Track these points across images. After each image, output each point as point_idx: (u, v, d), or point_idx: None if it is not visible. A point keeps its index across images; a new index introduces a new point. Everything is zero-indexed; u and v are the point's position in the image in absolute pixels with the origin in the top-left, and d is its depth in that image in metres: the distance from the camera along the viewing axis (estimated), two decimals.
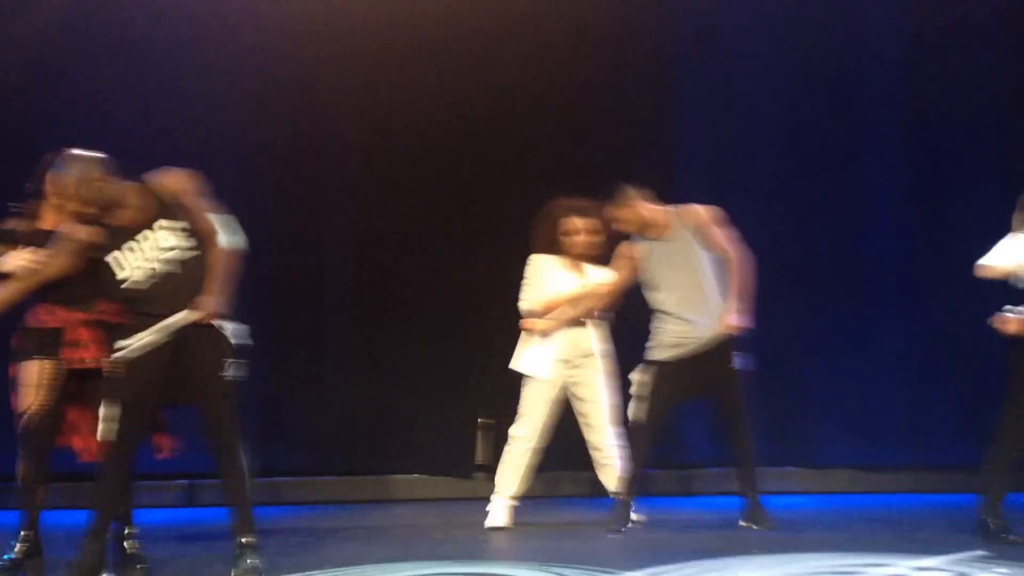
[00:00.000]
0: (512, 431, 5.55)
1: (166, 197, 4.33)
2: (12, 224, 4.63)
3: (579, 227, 5.48)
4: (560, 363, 5.48)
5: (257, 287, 6.75)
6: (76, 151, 4.27)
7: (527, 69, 6.84)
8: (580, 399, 5.53)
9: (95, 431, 4.43)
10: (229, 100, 6.83)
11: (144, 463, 4.49)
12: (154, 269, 4.26)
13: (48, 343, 4.48)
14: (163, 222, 4.28)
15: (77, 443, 4.59)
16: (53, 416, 4.48)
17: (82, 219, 4.30)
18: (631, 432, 5.36)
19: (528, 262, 5.56)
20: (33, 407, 4.48)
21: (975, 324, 5.13)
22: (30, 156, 4.61)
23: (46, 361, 4.48)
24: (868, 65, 7.04)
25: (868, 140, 7.05)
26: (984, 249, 5.10)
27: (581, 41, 6.89)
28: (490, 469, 6.60)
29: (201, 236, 4.32)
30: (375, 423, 6.82)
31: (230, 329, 4.36)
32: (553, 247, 5.53)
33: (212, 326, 4.30)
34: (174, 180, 4.36)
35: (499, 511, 5.50)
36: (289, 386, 6.77)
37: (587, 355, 5.52)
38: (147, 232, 4.28)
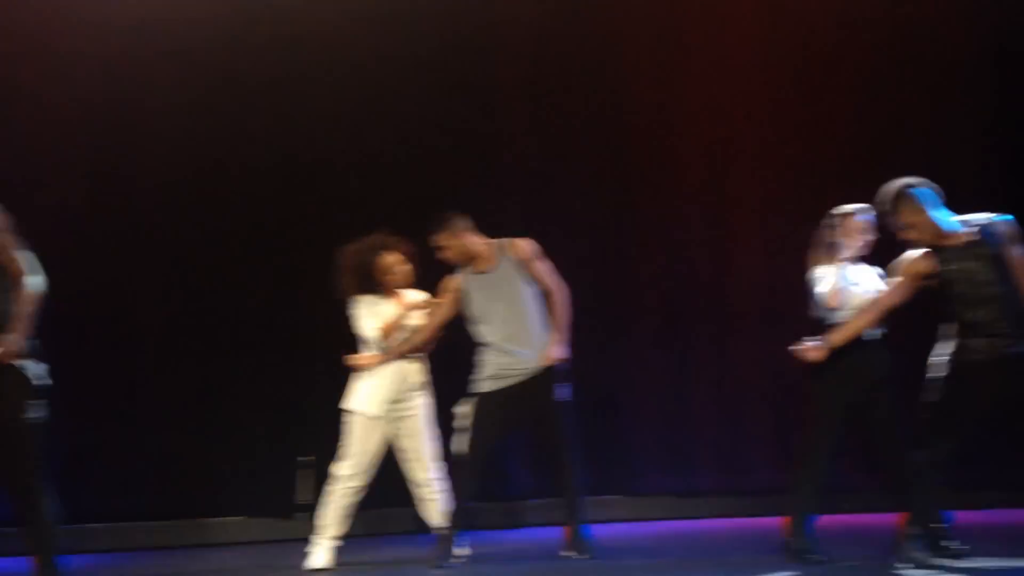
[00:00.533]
0: (336, 470, 5.47)
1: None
2: None
3: (394, 263, 5.48)
4: (387, 398, 5.45)
5: (62, 326, 6.50)
6: None
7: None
8: (404, 435, 5.50)
9: None
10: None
11: None
12: None
13: None
14: None
15: None
16: None
17: None
18: (454, 465, 5.36)
19: (350, 304, 5.51)
20: None
21: (781, 353, 5.38)
22: None
23: None
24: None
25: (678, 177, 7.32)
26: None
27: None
28: (310, 509, 6.48)
29: (9, 276, 4.12)
30: (190, 464, 6.57)
31: (31, 369, 4.18)
32: (369, 286, 5.50)
33: (12, 366, 4.12)
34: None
35: (321, 552, 5.40)
36: (97, 427, 6.47)
37: (413, 389, 5.51)
38: None
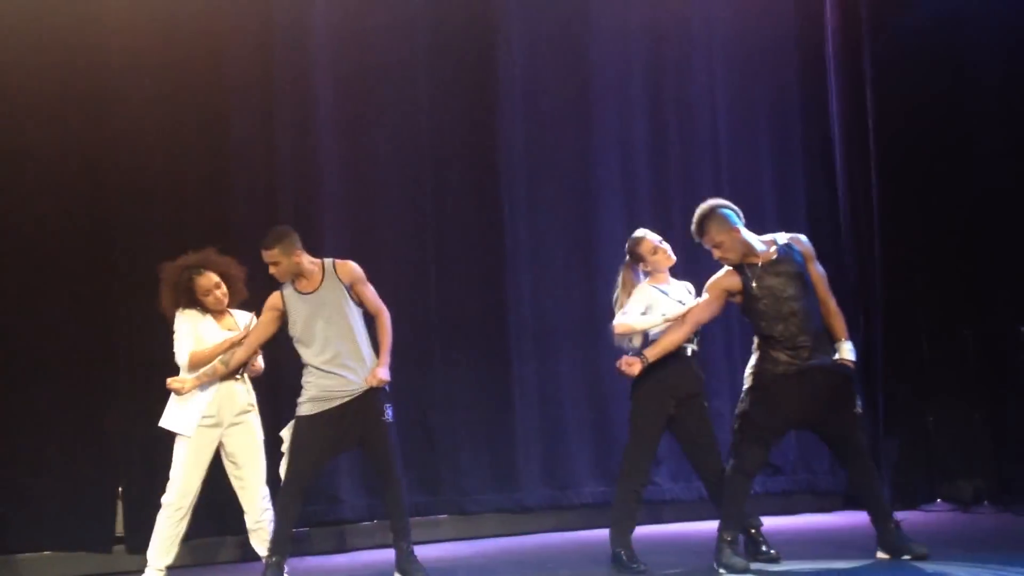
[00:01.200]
0: (163, 499, 5.30)
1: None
2: None
3: (210, 286, 5.41)
4: (212, 421, 5.33)
5: None
6: None
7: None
8: (234, 460, 5.39)
9: None
10: None
11: None
12: None
13: None
14: None
15: None
16: None
17: None
18: (282, 490, 5.28)
19: (176, 317, 5.41)
20: None
21: (606, 370, 5.54)
22: None
23: None
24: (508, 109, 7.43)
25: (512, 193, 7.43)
26: (607, 296, 5.58)
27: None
28: (129, 538, 6.25)
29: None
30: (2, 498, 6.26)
31: None
32: (188, 304, 5.41)
33: None
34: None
35: None
36: None
37: (242, 412, 5.41)
38: None
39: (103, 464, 6.30)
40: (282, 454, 5.31)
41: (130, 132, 6.51)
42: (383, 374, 5.25)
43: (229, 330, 5.46)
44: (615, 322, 5.33)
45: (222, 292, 5.43)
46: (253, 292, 5.59)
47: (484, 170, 7.39)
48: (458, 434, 7.13)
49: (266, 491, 5.40)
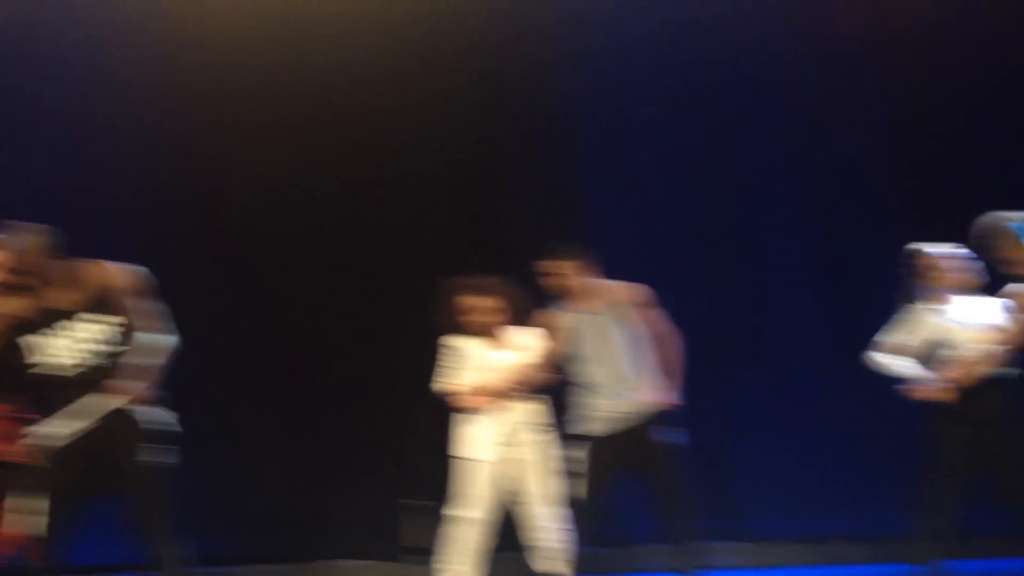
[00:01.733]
0: (452, 512, 5.32)
1: (103, 288, 4.29)
2: None
3: (474, 306, 5.32)
4: (497, 441, 5.30)
5: (179, 372, 6.60)
6: (20, 224, 4.25)
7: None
8: (516, 478, 5.36)
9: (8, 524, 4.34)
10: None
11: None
12: (83, 358, 4.19)
13: None
14: (95, 315, 4.25)
15: None
16: None
17: (17, 294, 4.18)
18: (572, 510, 5.20)
19: (440, 344, 5.40)
20: None
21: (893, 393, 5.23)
22: None
23: None
24: (767, 134, 7.09)
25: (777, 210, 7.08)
26: None
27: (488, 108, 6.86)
28: (418, 552, 6.40)
29: (136, 334, 4.31)
30: (297, 508, 6.58)
31: (151, 415, 4.27)
32: (457, 327, 5.38)
33: (129, 413, 4.23)
34: (116, 275, 4.32)
35: None
36: (206, 471, 6.51)
37: (523, 432, 5.36)
38: (79, 319, 4.19)
39: (395, 478, 6.51)
40: (567, 474, 5.22)
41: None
42: (666, 396, 5.10)
43: (503, 350, 5.41)
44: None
45: (482, 317, 5.33)
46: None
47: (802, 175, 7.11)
48: (749, 457, 6.84)
49: (550, 509, 5.31)
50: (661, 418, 5.16)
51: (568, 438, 5.37)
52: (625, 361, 5.20)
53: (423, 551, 6.16)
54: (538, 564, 5.38)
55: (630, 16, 7.02)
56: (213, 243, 6.76)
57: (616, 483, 5.44)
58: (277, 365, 6.67)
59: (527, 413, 5.36)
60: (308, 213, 6.76)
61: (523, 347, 5.39)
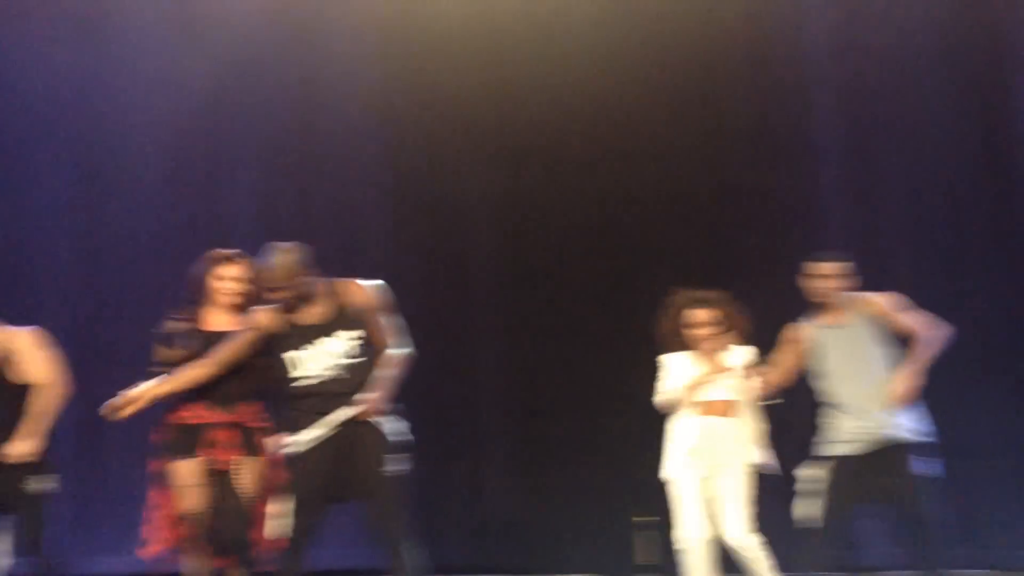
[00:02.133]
0: (676, 536, 5.17)
1: (350, 306, 4.48)
2: (172, 327, 4.69)
3: (700, 319, 5.15)
4: (699, 458, 5.11)
5: (414, 384, 6.75)
6: (276, 242, 4.48)
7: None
8: (719, 495, 5.14)
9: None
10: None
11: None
12: (334, 371, 4.41)
13: (188, 441, 4.56)
14: (344, 329, 4.44)
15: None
16: (207, 515, 4.56)
17: (273, 309, 4.41)
18: (805, 533, 4.99)
19: (661, 358, 5.25)
20: (195, 507, 4.55)
21: None
22: None
23: (193, 460, 4.55)
24: None
25: None
26: None
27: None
28: (650, 570, 6.31)
29: (375, 347, 4.50)
30: (527, 520, 6.63)
31: (389, 425, 4.38)
32: (677, 342, 5.21)
33: (371, 423, 4.35)
34: (363, 291, 4.53)
35: None
36: (443, 483, 6.64)
37: (730, 450, 5.14)
38: (330, 333, 4.41)
39: (624, 494, 6.40)
40: (798, 494, 5.02)
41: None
42: (903, 389, 4.80)
43: (720, 367, 5.17)
44: None
45: (707, 331, 5.13)
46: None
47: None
48: (997, 481, 6.41)
49: (750, 529, 5.08)
50: (910, 445, 4.86)
51: (812, 458, 5.14)
52: (871, 379, 4.92)
53: (655, 569, 6.09)
54: None
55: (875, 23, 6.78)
56: (447, 256, 6.87)
57: (858, 508, 5.17)
58: (513, 379, 6.72)
59: (741, 428, 5.18)
60: (551, 226, 6.75)
61: (738, 364, 5.22)
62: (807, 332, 5.09)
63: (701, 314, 5.18)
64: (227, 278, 4.66)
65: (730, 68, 6.80)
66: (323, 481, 4.37)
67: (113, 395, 4.47)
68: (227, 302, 4.66)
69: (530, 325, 6.75)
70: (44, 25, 7.12)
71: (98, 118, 7.04)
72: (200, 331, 4.64)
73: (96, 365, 6.14)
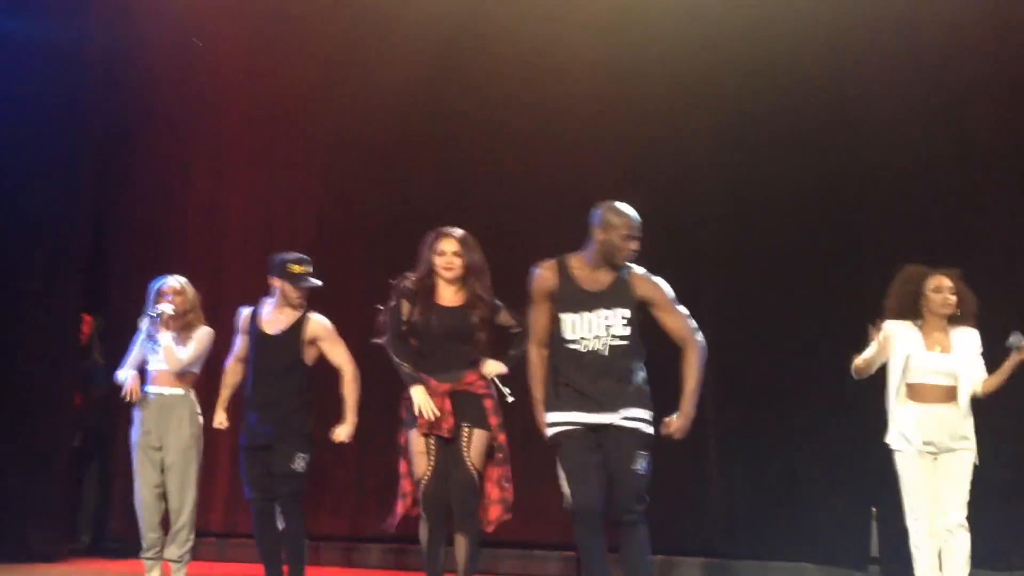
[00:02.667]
0: (909, 519, 5.00)
1: (639, 290, 4.43)
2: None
3: (944, 284, 4.98)
4: (926, 442, 4.94)
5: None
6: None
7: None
8: (938, 480, 4.96)
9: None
10: None
11: None
12: (597, 345, 4.36)
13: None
14: (618, 310, 4.38)
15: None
16: (439, 480, 4.70)
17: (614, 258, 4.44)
18: None
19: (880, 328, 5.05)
20: (424, 475, 4.71)
21: None
22: None
23: (418, 429, 4.72)
24: None
25: None
26: None
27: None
28: (886, 562, 6.12)
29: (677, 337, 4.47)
30: (757, 506, 6.52)
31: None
32: (909, 310, 5.03)
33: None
34: (654, 287, 4.47)
35: None
36: (665, 464, 6.59)
37: (957, 439, 4.94)
38: (604, 309, 4.38)
39: (860, 482, 6.22)
40: None
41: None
42: None
43: (946, 347, 5.00)
44: None
45: (949, 299, 4.98)
46: None
47: None
48: None
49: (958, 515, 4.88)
50: None
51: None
52: None
53: (891, 560, 5.91)
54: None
55: None
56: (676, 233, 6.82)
57: None
58: (748, 365, 6.56)
59: (967, 420, 4.96)
60: (790, 197, 6.57)
61: (965, 347, 4.99)
62: None
63: (944, 281, 5.01)
64: (448, 253, 4.78)
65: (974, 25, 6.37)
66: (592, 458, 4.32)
67: None
68: (449, 277, 4.78)
69: (760, 307, 6.59)
70: None
71: None
72: (432, 305, 4.77)
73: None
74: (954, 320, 5.03)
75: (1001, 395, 5.06)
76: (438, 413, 4.63)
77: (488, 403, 4.73)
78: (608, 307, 4.35)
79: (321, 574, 6.52)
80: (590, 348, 4.33)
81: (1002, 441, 5.80)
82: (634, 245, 4.42)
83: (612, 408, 4.29)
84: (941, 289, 4.99)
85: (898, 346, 5.00)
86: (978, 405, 5.05)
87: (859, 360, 5.06)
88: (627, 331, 4.34)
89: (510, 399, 4.68)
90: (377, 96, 7.38)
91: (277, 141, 7.79)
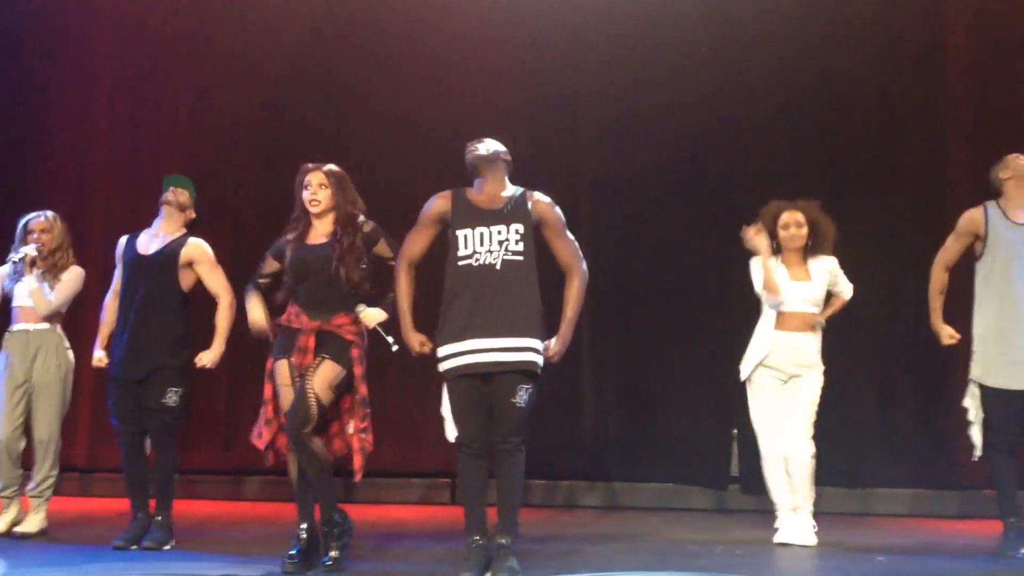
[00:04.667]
0: (759, 444, 5.29)
1: (535, 210, 4.41)
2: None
3: (792, 220, 5.25)
4: (777, 370, 5.21)
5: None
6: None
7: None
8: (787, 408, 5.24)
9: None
10: None
11: None
12: (490, 260, 4.32)
13: (288, 344, 4.63)
14: (513, 225, 4.35)
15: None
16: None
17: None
18: (991, 458, 4.92)
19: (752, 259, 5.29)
20: (285, 406, 4.60)
21: None
22: None
23: (288, 360, 4.61)
24: None
25: None
26: None
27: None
28: (745, 480, 6.45)
29: (563, 263, 4.46)
30: (627, 430, 6.79)
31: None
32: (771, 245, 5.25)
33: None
34: (548, 208, 4.46)
35: (785, 526, 5.21)
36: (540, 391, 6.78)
37: (806, 365, 5.23)
38: (500, 224, 4.34)
39: (719, 406, 6.51)
40: (969, 423, 4.99)
41: None
42: None
43: (803, 276, 5.27)
44: None
45: (799, 233, 5.25)
46: None
47: None
48: None
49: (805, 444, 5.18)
50: None
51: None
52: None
53: (749, 478, 6.22)
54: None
55: None
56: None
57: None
58: (613, 290, 6.76)
59: (814, 345, 5.23)
60: (654, 141, 6.82)
61: (819, 275, 5.26)
62: (993, 222, 5.01)
63: (793, 216, 5.26)
64: (313, 185, 4.67)
65: None
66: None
67: None
68: (316, 211, 4.68)
69: (636, 236, 6.84)
70: None
71: None
72: (301, 243, 4.68)
73: None
74: (812, 250, 5.29)
75: (848, 321, 5.35)
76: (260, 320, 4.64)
77: (355, 352, 4.60)
78: (505, 223, 4.34)
79: (197, 507, 6.50)
80: (482, 262, 4.29)
81: (856, 365, 6.17)
82: (477, 149, 4.43)
83: (499, 333, 4.27)
84: (788, 225, 5.25)
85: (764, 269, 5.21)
86: (836, 329, 5.33)
87: (765, 282, 5.21)
88: (521, 247, 4.31)
89: (395, 348, 4.53)
90: (253, 35, 7.33)
91: (147, 74, 7.64)
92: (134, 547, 5.04)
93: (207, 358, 5.21)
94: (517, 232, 4.35)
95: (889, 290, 6.32)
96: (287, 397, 4.58)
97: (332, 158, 4.93)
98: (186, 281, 5.27)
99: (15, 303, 5.56)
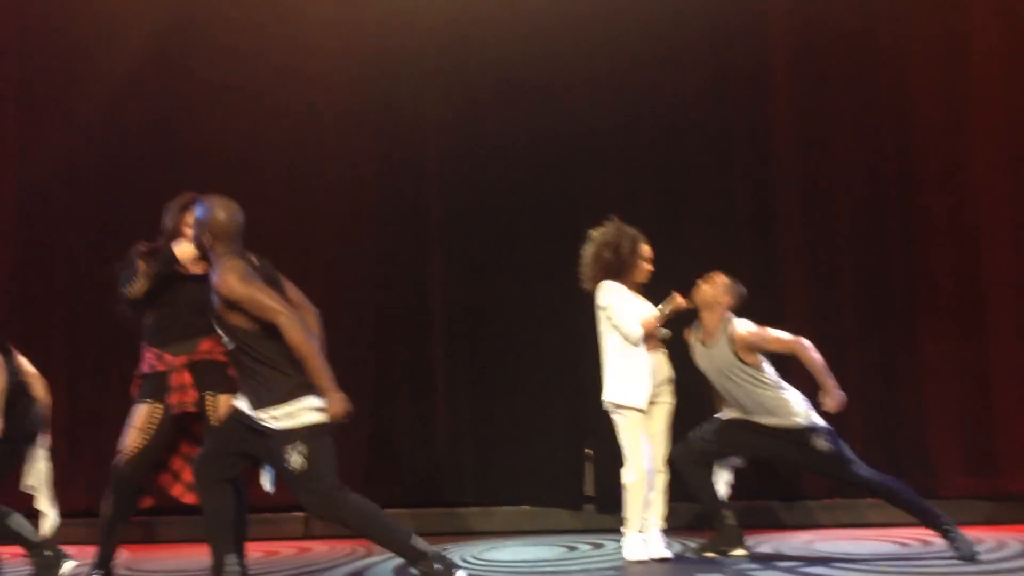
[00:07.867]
0: (623, 477, 5.23)
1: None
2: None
3: (649, 255, 5.36)
4: (647, 392, 5.23)
5: (364, 322, 6.84)
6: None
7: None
8: (654, 430, 5.33)
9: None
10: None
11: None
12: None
13: (159, 388, 4.52)
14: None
15: (175, 489, 4.65)
16: (144, 459, 4.52)
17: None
18: None
19: (601, 289, 5.26)
20: (126, 449, 4.52)
21: None
22: None
23: (155, 405, 4.52)
24: None
25: None
26: None
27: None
28: (600, 500, 6.55)
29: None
30: (481, 454, 6.79)
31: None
32: (622, 273, 5.29)
33: None
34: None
35: (631, 544, 5.22)
36: (394, 417, 6.78)
37: (665, 383, 5.36)
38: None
39: (575, 426, 6.59)
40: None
41: None
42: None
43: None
44: None
45: (648, 267, 5.35)
46: None
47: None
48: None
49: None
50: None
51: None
52: None
53: (605, 500, 6.31)
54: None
55: None
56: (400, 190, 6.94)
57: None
58: (459, 312, 6.82)
59: (667, 365, 5.35)
60: (472, 169, 6.90)
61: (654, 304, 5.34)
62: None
63: (648, 249, 5.36)
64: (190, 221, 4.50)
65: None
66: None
67: None
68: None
69: (478, 255, 6.88)
70: None
71: None
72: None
73: None
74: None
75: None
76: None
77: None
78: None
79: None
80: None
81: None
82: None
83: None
84: (646, 258, 5.38)
85: (627, 302, 5.27)
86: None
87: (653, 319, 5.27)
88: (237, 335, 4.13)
89: None
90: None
91: None
92: None
93: None
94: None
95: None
96: (132, 438, 4.52)
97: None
98: None
99: None
